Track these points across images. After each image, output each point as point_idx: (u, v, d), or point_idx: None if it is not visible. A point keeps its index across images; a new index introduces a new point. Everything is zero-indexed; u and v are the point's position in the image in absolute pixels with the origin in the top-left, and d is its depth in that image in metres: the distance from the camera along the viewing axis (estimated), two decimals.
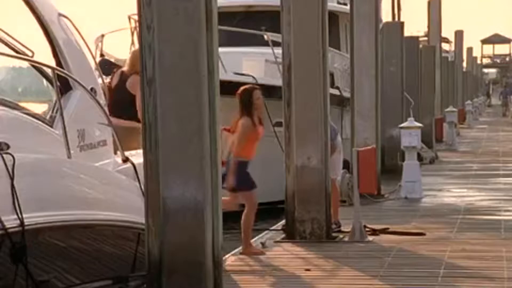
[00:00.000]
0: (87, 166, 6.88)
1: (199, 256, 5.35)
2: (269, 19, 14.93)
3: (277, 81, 11.12)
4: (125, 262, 7.00)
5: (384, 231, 9.65)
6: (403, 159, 13.69)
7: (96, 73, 8.25)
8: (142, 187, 5.90)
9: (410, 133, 13.25)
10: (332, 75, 16.02)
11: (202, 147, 5.37)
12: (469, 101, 41.64)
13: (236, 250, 8.82)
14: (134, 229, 6.94)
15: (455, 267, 7.70)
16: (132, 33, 14.04)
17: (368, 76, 13.36)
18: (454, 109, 27.21)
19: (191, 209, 5.35)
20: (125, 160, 7.46)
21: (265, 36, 14.66)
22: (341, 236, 9.47)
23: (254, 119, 8.37)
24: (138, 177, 7.13)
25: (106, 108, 7.65)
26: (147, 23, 5.29)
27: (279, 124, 11.36)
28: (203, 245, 5.33)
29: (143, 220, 5.51)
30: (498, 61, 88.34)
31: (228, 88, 13.49)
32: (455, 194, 13.45)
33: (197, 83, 5.32)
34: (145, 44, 5.30)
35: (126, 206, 6.94)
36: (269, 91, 13.88)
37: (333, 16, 17.04)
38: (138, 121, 7.58)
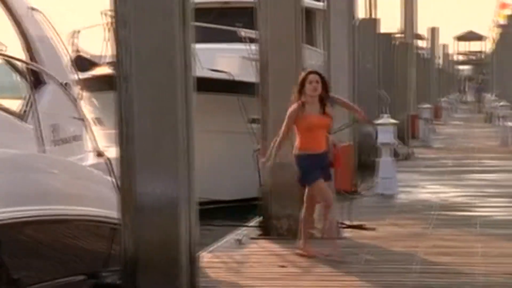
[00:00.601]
0: (60, 160, 6.84)
1: (174, 253, 5.34)
2: (245, 16, 14.92)
3: (253, 78, 11.11)
4: (99, 257, 6.97)
5: (349, 226, 9.72)
6: (378, 156, 13.73)
7: (70, 68, 8.20)
8: (117, 181, 5.87)
9: (385, 130, 13.30)
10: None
11: (177, 143, 5.35)
12: (444, 98, 41.90)
13: (213, 246, 8.81)
14: (108, 224, 6.91)
15: (429, 263, 7.74)
16: (107, 29, 13.97)
17: (344, 73, 13.38)
18: (429, 106, 27.38)
19: (166, 205, 5.34)
20: (100, 154, 7.42)
21: (241, 33, 14.65)
22: (316, 232, 9.46)
23: (303, 105, 7.80)
24: (113, 172, 7.09)
25: (80, 103, 7.61)
26: (123, 19, 5.27)
27: (255, 120, 11.36)
28: (178, 242, 5.32)
29: (116, 215, 5.48)
30: (473, 58, 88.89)
31: (204, 84, 13.56)
32: (430, 190, 13.52)
33: (172, 79, 5.31)
34: (120, 40, 5.27)
35: (99, 201, 6.91)
36: (245, 87, 13.91)
37: (309, 13, 17.06)
38: None
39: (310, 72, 7.88)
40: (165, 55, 5.29)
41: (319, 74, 7.82)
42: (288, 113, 7.77)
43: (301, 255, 8.01)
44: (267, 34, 9.17)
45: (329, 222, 8.16)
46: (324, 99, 7.77)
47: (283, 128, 7.77)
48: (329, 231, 8.27)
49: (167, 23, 5.25)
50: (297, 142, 7.84)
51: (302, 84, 7.75)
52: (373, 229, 9.66)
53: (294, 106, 7.75)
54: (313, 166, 7.77)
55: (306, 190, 7.95)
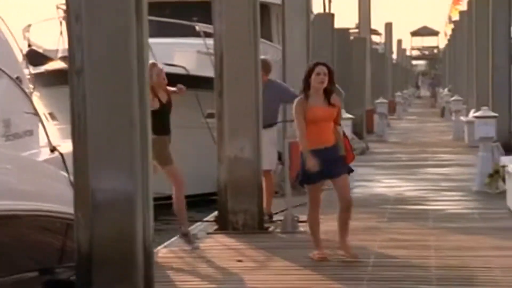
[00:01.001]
0: (11, 155, 6.75)
1: (130, 248, 5.30)
2: (200, 10, 14.89)
3: (209, 72, 11.09)
4: (53, 253, 6.89)
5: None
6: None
7: (23, 62, 8.09)
8: (71, 177, 5.81)
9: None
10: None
11: (132, 138, 5.31)
12: (399, 93, 42.24)
13: (168, 241, 8.78)
14: (63, 219, 6.83)
15: (384, 256, 7.79)
16: (61, 23, 13.83)
17: (300, 68, 13.37)
18: (384, 101, 27.57)
19: (121, 201, 5.30)
20: (53, 149, 7.34)
21: (197, 27, 14.61)
22: (273, 227, 9.49)
23: (307, 97, 7.44)
24: (66, 167, 7.02)
25: (32, 97, 7.51)
26: (75, 13, 5.20)
27: (211, 115, 11.33)
28: (133, 237, 5.28)
29: (71, 210, 5.42)
30: (427, 53, 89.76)
31: None
32: (385, 185, 13.62)
33: (127, 74, 5.26)
34: (73, 35, 5.21)
35: (54, 196, 6.83)
36: (201, 82, 13.87)
37: (265, 7, 17.07)
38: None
39: (318, 64, 7.52)
40: (120, 50, 5.24)
41: (327, 66, 7.50)
42: (294, 108, 7.49)
43: (321, 259, 7.56)
44: (223, 29, 9.15)
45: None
46: (329, 90, 7.47)
47: (297, 125, 7.43)
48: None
49: (121, 17, 5.20)
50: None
51: (309, 75, 7.45)
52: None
53: (297, 100, 7.48)
54: (317, 163, 7.30)
55: (308, 190, 7.61)
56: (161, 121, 8.50)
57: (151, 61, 8.08)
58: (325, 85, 7.43)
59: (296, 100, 7.49)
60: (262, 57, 10.24)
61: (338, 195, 7.52)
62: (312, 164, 7.24)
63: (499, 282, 6.72)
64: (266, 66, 9.77)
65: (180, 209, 8.90)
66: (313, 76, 7.43)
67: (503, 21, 18.48)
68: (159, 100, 8.68)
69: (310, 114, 7.38)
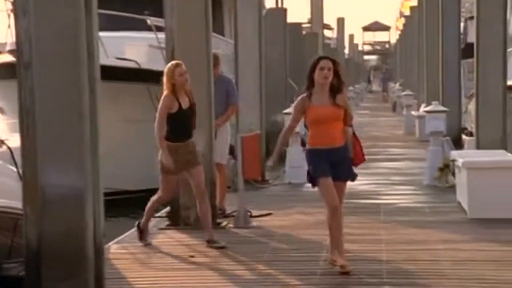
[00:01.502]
0: None
1: (80, 244, 5.23)
2: (152, 4, 14.78)
3: (161, 66, 10.99)
4: (1, 249, 6.78)
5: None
6: (287, 145, 13.81)
7: None
8: (20, 171, 5.72)
9: None
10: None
11: (82, 133, 5.24)
12: (351, 87, 42.48)
13: (120, 237, 8.71)
14: (11, 214, 6.73)
15: None
16: (9, 16, 13.61)
17: (252, 62, 13.40)
18: (303, 94, 27.63)
19: (71, 196, 5.23)
20: (1, 143, 7.22)
21: (148, 21, 14.51)
22: (226, 222, 9.47)
23: (310, 95, 6.80)
24: (15, 162, 6.91)
25: None
26: (22, 5, 5.11)
27: None
28: (84, 233, 5.22)
29: (20, 206, 5.34)
30: (379, 48, 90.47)
31: (111, 73, 13.37)
32: None
33: (77, 67, 5.19)
34: (21, 28, 5.12)
35: (1, 191, 6.72)
36: (153, 76, 13.75)
37: (217, 1, 17.00)
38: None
39: (322, 58, 6.85)
40: (69, 43, 5.16)
41: (332, 60, 6.81)
42: (294, 104, 6.99)
43: (333, 264, 6.97)
44: (174, 23, 9.09)
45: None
46: (335, 88, 6.78)
47: (290, 121, 6.96)
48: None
49: (70, 10, 5.12)
50: (308, 136, 6.98)
51: (313, 70, 6.78)
52: (270, 213, 9.86)
53: (300, 97, 6.86)
54: (321, 162, 6.76)
55: (319, 189, 6.90)
56: (176, 126, 7.99)
57: (175, 61, 8.07)
58: (329, 80, 6.74)
59: (299, 97, 6.89)
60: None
61: (324, 197, 6.88)
62: (275, 161, 7.26)
63: (448, 275, 6.80)
64: (215, 60, 9.75)
65: (204, 215, 8.21)
66: (317, 71, 6.74)
67: (453, 17, 18.68)
68: (179, 104, 8.02)
69: (312, 114, 6.76)
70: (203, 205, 8.18)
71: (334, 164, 6.80)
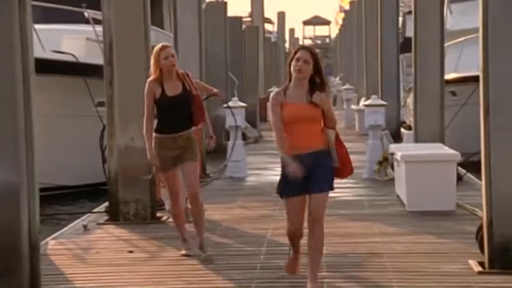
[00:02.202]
0: None
1: (15, 241, 5.14)
2: None
3: (99, 60, 10.88)
4: None
5: None
6: (228, 139, 13.78)
7: None
8: None
9: (234, 113, 13.35)
10: None
11: (16, 127, 5.13)
12: None
13: (57, 233, 8.58)
14: None
15: (277, 245, 7.81)
16: None
17: (192, 56, 13.33)
18: (278, 89, 27.74)
19: (5, 192, 5.13)
20: None
21: (86, 13, 14.32)
22: (166, 216, 9.40)
23: (285, 91, 5.87)
24: None
25: None
26: None
27: (102, 104, 11.13)
28: (18, 230, 5.12)
29: None
30: (319, 42, 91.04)
31: (47, 66, 13.16)
32: (278, 173, 13.64)
33: (10, 61, 5.07)
34: None
35: None
36: (91, 70, 13.60)
37: None
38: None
39: (300, 48, 5.94)
40: (2, 36, 5.04)
41: (311, 51, 5.88)
42: (269, 102, 5.96)
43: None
44: (111, 15, 8.97)
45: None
46: (317, 84, 5.85)
47: (272, 124, 5.93)
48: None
49: (2, 2, 5.00)
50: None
51: (290, 62, 5.90)
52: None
53: (273, 93, 5.93)
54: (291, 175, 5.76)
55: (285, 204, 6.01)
56: (161, 116, 7.10)
57: (162, 43, 7.25)
58: (305, 74, 5.80)
59: (272, 93, 5.95)
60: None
61: (310, 213, 5.86)
62: (293, 168, 5.70)
63: (387, 268, 6.84)
64: None
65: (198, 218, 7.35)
66: (293, 62, 5.84)
67: (391, 11, 18.86)
68: (162, 90, 7.07)
69: (285, 113, 5.81)
70: (194, 208, 7.25)
71: (311, 172, 5.77)
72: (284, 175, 5.87)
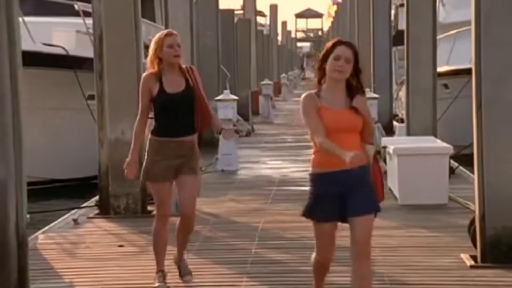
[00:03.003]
0: None
1: (2, 236, 5.06)
2: None
3: (90, 53, 10.80)
4: None
5: None
6: (219, 132, 13.71)
7: None
8: None
9: (226, 106, 13.30)
10: (147, 46, 15.85)
11: (3, 121, 5.06)
12: (284, 74, 42.60)
13: (47, 227, 8.51)
14: None
15: (268, 238, 7.78)
16: None
17: (184, 49, 13.23)
18: (270, 82, 27.72)
19: None
20: None
21: (76, 6, 14.24)
22: None
23: (319, 94, 4.90)
24: None
25: None
26: None
27: (93, 97, 11.07)
28: (5, 225, 5.05)
29: None
30: (312, 35, 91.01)
31: (37, 59, 13.09)
32: (270, 166, 13.66)
33: None
34: None
35: None
36: (81, 63, 13.52)
37: None
38: None
39: (341, 42, 4.90)
40: None
41: (354, 49, 4.90)
42: (301, 107, 4.94)
43: None
44: (101, 8, 8.90)
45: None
46: (354, 86, 4.89)
47: (311, 128, 4.88)
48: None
49: None
50: (312, 151, 5.01)
51: (324, 59, 4.88)
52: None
53: (305, 96, 4.91)
54: (323, 198, 4.85)
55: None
56: (159, 116, 5.92)
57: (167, 29, 6.09)
58: (345, 75, 4.85)
59: (303, 96, 4.96)
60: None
61: (353, 243, 4.88)
62: (350, 155, 4.67)
63: (378, 262, 6.80)
64: None
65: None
66: (330, 60, 4.85)
67: (384, 4, 18.81)
68: (160, 85, 5.88)
69: (324, 120, 4.83)
70: (185, 231, 6.15)
71: (349, 192, 4.83)
72: (316, 194, 4.85)
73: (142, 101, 5.99)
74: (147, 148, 6.00)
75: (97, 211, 9.20)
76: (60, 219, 8.96)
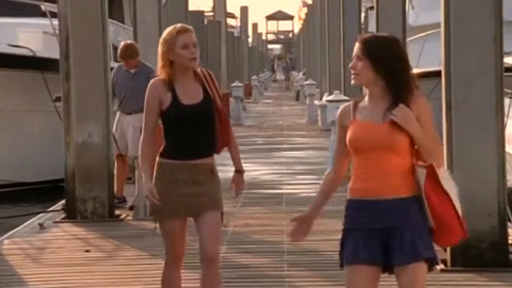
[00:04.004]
0: None
1: None
2: None
3: (57, 54, 10.66)
4: None
5: None
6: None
7: None
8: None
9: None
10: (116, 48, 15.69)
11: None
12: (254, 76, 42.54)
13: (11, 232, 8.35)
14: None
15: (238, 242, 7.69)
16: None
17: (152, 51, 13.10)
18: (240, 84, 27.63)
19: None
20: None
21: (42, 7, 14.08)
22: (125, 214, 9.22)
23: (356, 105, 3.90)
24: None
25: None
26: None
27: (60, 99, 10.92)
28: None
29: None
30: (282, 37, 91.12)
31: (2, 60, 12.90)
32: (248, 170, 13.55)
33: None
34: None
35: None
36: (48, 64, 13.34)
37: None
38: None
39: (358, 39, 4.00)
40: None
41: (364, 42, 3.91)
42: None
43: None
44: (67, 9, 8.77)
45: None
46: (400, 92, 3.82)
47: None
48: None
49: None
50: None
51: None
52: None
53: (339, 111, 4.01)
54: (358, 232, 3.85)
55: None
56: (170, 134, 4.75)
57: (179, 24, 4.80)
58: (363, 78, 3.84)
59: (342, 108, 3.99)
60: (129, 41, 9.96)
61: None
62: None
63: None
64: (132, 50, 9.54)
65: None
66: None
67: (353, 7, 18.80)
68: (173, 96, 4.74)
69: (349, 135, 3.86)
70: (209, 276, 4.90)
71: (389, 233, 3.79)
72: (345, 234, 3.89)
73: (148, 115, 4.76)
74: (154, 174, 4.74)
75: (63, 215, 9.05)
76: (25, 224, 8.81)
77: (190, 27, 4.82)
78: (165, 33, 4.80)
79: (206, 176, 4.83)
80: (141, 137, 4.82)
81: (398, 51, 3.83)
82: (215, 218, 4.84)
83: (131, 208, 9.30)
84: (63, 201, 9.37)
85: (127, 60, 9.47)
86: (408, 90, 3.83)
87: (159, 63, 4.78)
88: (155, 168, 4.76)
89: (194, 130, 4.75)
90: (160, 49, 4.77)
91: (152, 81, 4.84)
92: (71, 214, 8.94)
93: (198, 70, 4.83)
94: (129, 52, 9.50)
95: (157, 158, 4.78)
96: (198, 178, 4.78)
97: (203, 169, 4.82)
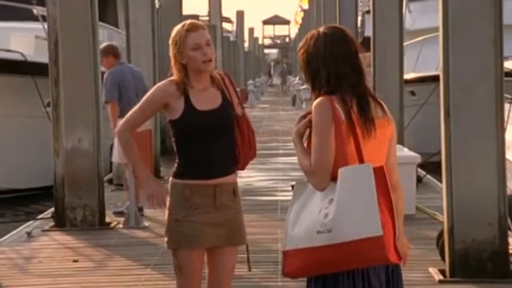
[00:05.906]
0: None
1: None
2: None
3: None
4: None
5: None
6: None
7: None
8: None
9: None
10: None
11: None
12: (251, 81, 42.39)
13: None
14: None
15: None
16: None
17: (146, 54, 12.97)
18: (236, 89, 27.49)
19: None
20: None
21: (34, 11, 13.90)
22: (115, 221, 9.02)
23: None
24: None
25: None
26: None
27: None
28: None
29: None
30: (279, 41, 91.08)
31: None
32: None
33: None
34: None
35: None
36: (40, 69, 13.14)
37: None
38: None
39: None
40: None
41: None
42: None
43: None
44: (56, 12, 8.59)
45: None
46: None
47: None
48: None
49: None
50: None
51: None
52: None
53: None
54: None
55: None
56: (184, 147, 4.10)
57: (189, 21, 4.22)
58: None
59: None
60: (113, 43, 9.86)
61: None
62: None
63: None
64: (114, 50, 9.41)
65: None
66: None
67: (350, 10, 18.66)
68: (187, 104, 4.10)
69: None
70: None
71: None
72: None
73: (141, 110, 4.12)
74: (169, 199, 4.09)
75: (52, 223, 8.85)
76: (13, 232, 8.60)
77: (201, 23, 4.22)
78: (174, 32, 4.15)
79: (229, 198, 4.12)
80: (117, 128, 4.15)
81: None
82: (234, 257, 4.25)
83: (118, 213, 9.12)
84: (52, 209, 9.17)
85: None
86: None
87: (173, 66, 4.15)
88: (171, 190, 4.09)
89: (213, 141, 4.06)
90: (170, 51, 4.15)
91: (165, 81, 4.19)
92: (60, 222, 8.74)
93: (215, 73, 4.20)
94: (104, 49, 9.39)
95: (171, 179, 4.13)
96: (220, 201, 4.09)
97: (225, 190, 4.10)
